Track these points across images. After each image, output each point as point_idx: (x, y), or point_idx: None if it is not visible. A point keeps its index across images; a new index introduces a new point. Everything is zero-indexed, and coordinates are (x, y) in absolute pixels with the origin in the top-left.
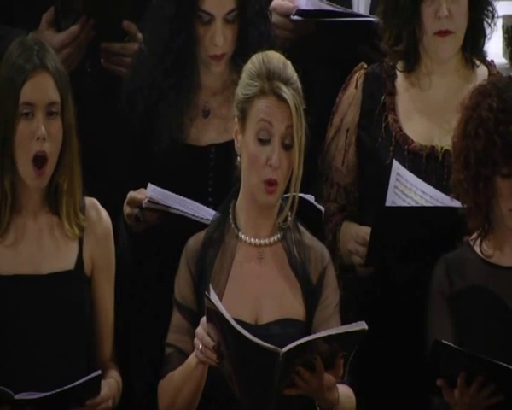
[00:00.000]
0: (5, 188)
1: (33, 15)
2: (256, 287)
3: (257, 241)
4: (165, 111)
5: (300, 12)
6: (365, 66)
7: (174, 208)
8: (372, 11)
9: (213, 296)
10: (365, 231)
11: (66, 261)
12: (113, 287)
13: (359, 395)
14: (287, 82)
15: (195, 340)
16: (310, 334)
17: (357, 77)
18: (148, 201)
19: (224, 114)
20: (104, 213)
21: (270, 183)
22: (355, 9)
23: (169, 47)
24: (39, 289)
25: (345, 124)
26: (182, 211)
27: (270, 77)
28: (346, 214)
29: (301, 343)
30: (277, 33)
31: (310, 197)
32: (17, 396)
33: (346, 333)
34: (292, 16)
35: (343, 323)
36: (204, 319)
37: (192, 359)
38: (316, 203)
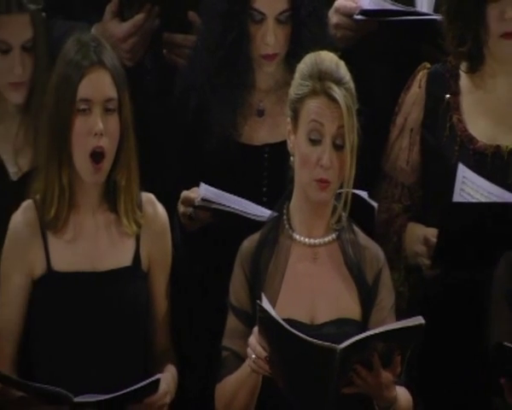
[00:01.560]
0: (63, 183)
1: (95, 8)
2: (311, 287)
3: (311, 241)
4: (218, 108)
5: (364, 12)
6: (428, 65)
7: (227, 206)
8: (436, 10)
9: (265, 304)
10: (431, 233)
11: (124, 258)
12: (169, 281)
13: (420, 396)
14: (338, 82)
15: (248, 350)
16: None
17: (421, 77)
18: (201, 199)
19: (278, 113)
20: (161, 208)
21: (322, 181)
22: (418, 8)
23: (220, 43)
24: (97, 286)
25: (409, 123)
26: (234, 209)
27: (321, 77)
28: (411, 215)
29: (358, 340)
30: (340, 34)
31: (363, 193)
32: (76, 399)
33: (403, 328)
34: (355, 16)
35: None
36: (256, 328)
37: (246, 366)
38: (369, 199)
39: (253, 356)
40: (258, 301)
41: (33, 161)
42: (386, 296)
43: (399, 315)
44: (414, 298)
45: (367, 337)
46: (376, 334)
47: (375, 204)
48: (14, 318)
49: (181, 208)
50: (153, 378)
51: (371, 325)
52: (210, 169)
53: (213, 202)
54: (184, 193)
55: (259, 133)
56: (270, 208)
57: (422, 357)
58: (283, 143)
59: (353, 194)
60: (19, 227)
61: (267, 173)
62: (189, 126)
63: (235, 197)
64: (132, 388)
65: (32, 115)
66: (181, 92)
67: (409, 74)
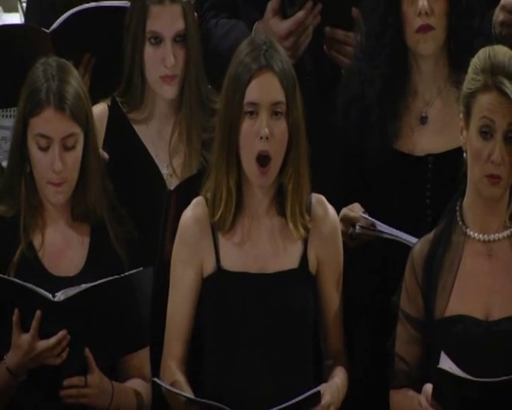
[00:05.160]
0: (230, 186)
1: (257, 6)
2: (486, 283)
3: (485, 237)
4: (379, 113)
5: None
6: None
7: (386, 233)
8: None
9: (446, 362)
10: None
11: (291, 260)
12: (340, 283)
13: None
14: (511, 77)
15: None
16: None
17: None
18: (360, 227)
19: (443, 121)
20: (331, 209)
21: (493, 177)
22: None
23: (377, 22)
24: (265, 288)
25: None
26: (393, 236)
27: (493, 71)
28: None
29: None
30: (506, 31)
31: None
32: None
33: None
34: None
35: None
36: (429, 389)
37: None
38: None
39: None
40: (438, 367)
41: (186, 162)
42: None
43: None
44: None
45: None
46: None
47: None
48: (186, 317)
49: (340, 226)
50: (312, 391)
51: None
52: (371, 180)
53: (372, 230)
54: (344, 211)
55: (422, 142)
56: (434, 224)
57: None
58: (448, 154)
59: None
60: (189, 223)
61: (431, 185)
62: (351, 134)
63: (394, 229)
64: (292, 401)
65: (184, 112)
66: (343, 105)
67: None
